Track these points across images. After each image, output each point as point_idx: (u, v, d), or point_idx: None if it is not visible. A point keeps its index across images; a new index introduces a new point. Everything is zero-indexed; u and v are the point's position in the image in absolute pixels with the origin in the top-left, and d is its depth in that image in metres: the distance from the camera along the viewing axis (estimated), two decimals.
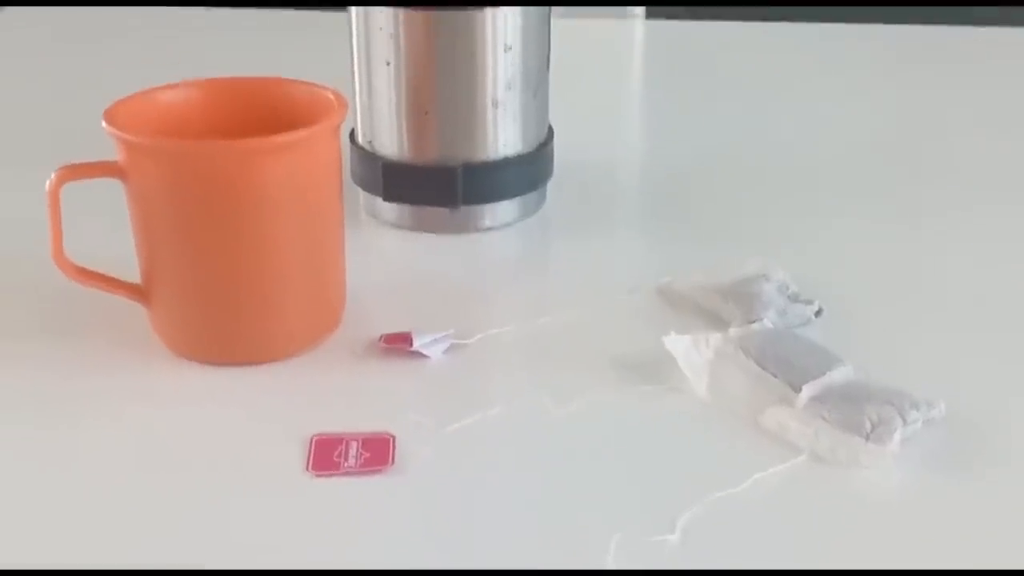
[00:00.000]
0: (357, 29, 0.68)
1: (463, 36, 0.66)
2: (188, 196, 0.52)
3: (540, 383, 0.54)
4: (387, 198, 0.70)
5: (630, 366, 0.55)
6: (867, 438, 0.48)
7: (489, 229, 0.71)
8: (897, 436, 0.48)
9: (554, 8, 0.71)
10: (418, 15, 0.65)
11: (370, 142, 0.70)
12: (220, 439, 0.50)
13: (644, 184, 0.82)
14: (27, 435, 0.51)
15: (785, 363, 0.53)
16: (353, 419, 0.51)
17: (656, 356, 0.54)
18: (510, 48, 0.67)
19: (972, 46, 1.11)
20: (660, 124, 0.95)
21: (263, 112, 0.58)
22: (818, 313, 0.59)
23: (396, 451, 0.49)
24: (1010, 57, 1.08)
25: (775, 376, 0.52)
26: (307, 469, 0.48)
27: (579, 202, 0.75)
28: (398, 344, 0.56)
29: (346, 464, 0.48)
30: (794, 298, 0.60)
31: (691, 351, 0.54)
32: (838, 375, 0.52)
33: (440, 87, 0.67)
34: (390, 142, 0.69)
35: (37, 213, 0.55)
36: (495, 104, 0.68)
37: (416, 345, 0.56)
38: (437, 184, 0.69)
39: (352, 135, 0.72)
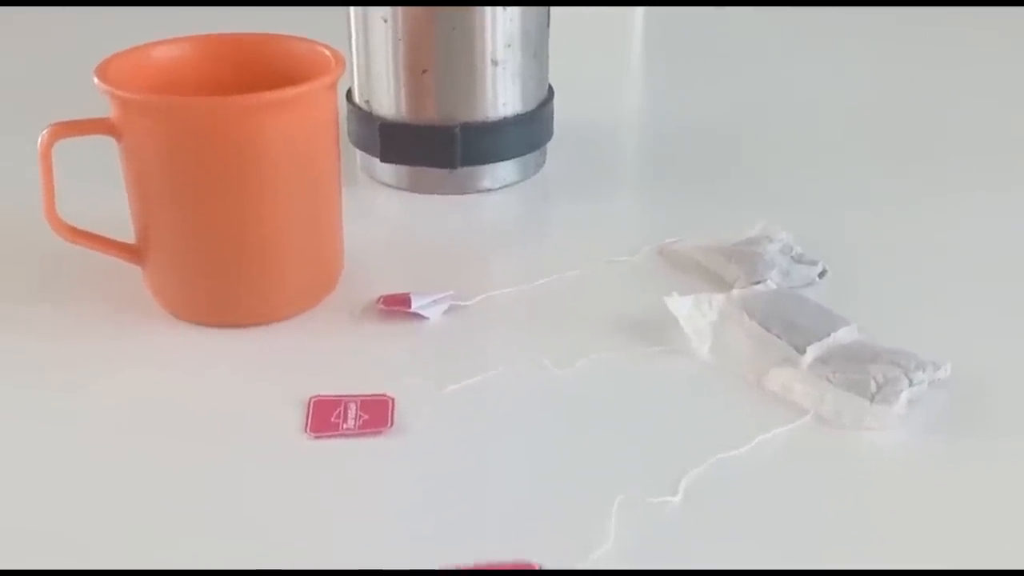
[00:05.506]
0: None
1: None
2: (182, 153, 0.51)
3: (540, 344, 0.53)
4: (385, 159, 0.69)
5: (632, 327, 0.54)
6: (872, 399, 0.47)
7: (488, 190, 0.70)
8: (903, 397, 0.47)
9: None
10: None
11: (367, 101, 0.69)
12: (217, 401, 0.50)
13: (645, 145, 0.82)
14: (21, 398, 0.50)
15: (789, 324, 0.52)
16: (352, 381, 0.50)
17: (658, 317, 0.54)
18: (510, 5, 0.66)
19: (978, 15, 1.10)
20: (662, 84, 0.94)
21: (259, 69, 0.57)
22: (822, 274, 0.59)
23: (395, 413, 0.48)
24: (1014, 26, 1.07)
25: (779, 337, 0.51)
26: (305, 430, 0.47)
27: (579, 163, 0.74)
28: (397, 306, 0.55)
29: (345, 426, 0.47)
30: (798, 259, 0.59)
31: (694, 312, 0.54)
32: (843, 336, 0.52)
33: (438, 45, 0.66)
34: (388, 102, 0.68)
35: (29, 173, 0.54)
36: (494, 63, 0.67)
37: (415, 307, 0.55)
38: (435, 144, 0.68)
39: (349, 94, 0.71)
